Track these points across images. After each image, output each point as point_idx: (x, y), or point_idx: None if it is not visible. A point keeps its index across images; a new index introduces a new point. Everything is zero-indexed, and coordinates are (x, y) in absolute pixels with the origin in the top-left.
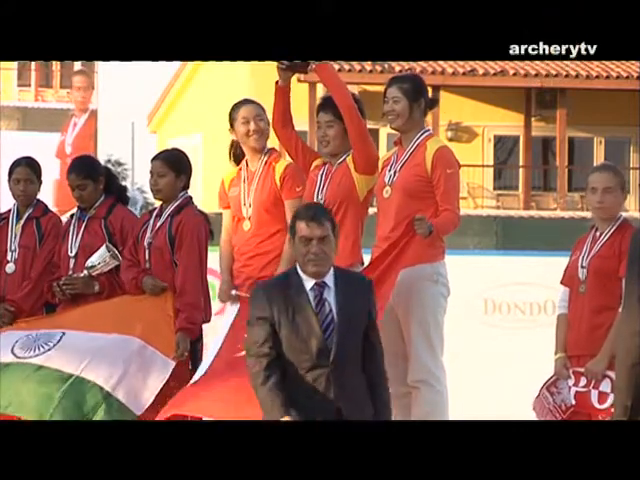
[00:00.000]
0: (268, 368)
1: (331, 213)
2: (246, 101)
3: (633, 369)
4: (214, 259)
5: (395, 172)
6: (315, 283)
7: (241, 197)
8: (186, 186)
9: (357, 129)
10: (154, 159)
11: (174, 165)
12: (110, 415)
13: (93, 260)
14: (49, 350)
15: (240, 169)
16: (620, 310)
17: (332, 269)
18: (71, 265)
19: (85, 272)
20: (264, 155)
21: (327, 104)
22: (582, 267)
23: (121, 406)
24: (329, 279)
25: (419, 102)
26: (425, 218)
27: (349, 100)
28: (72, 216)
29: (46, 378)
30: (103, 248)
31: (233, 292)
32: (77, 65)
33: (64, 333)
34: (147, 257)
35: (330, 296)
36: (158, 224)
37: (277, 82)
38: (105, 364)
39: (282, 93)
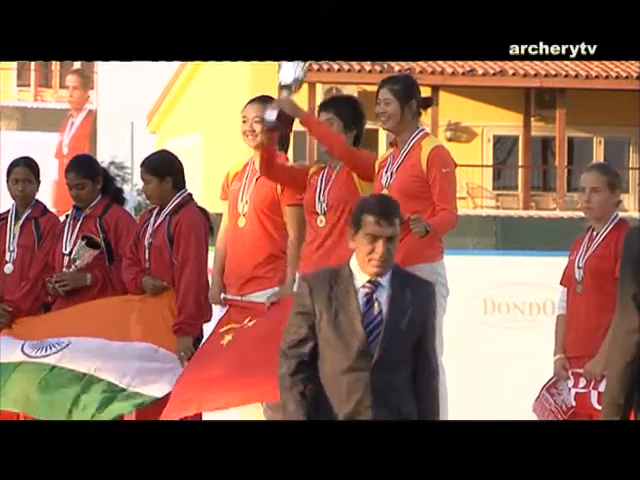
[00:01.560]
0: (295, 373)
1: (399, 208)
2: (255, 100)
3: (627, 367)
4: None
5: (392, 174)
6: (368, 281)
7: (240, 192)
8: (178, 186)
9: (355, 165)
10: (140, 166)
11: (155, 170)
12: (130, 401)
13: (74, 253)
14: (61, 350)
15: (246, 164)
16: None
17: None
18: (65, 263)
19: (72, 267)
20: None
21: (328, 104)
22: (579, 267)
23: (139, 394)
24: (384, 278)
25: (410, 103)
26: (421, 218)
27: (340, 145)
28: (67, 216)
29: (60, 380)
30: (79, 239)
31: (222, 296)
32: (77, 65)
33: (70, 342)
34: (147, 256)
35: (382, 297)
36: (157, 223)
37: (263, 142)
38: (118, 368)
39: (267, 151)
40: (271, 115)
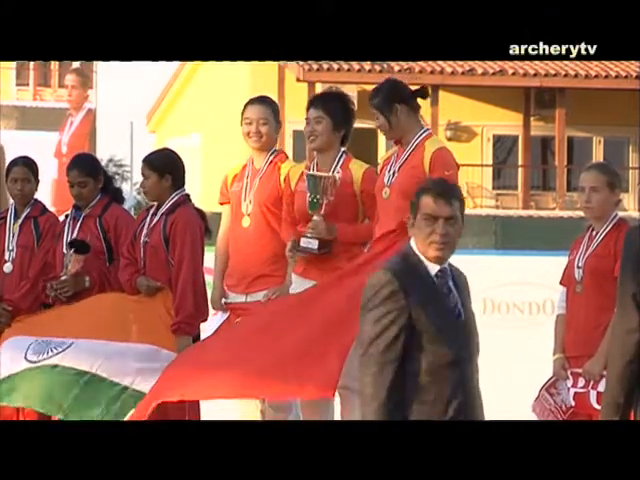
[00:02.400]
0: (392, 383)
1: (461, 193)
2: (256, 100)
3: (627, 367)
4: (213, 259)
5: (394, 172)
6: (439, 270)
7: (242, 193)
8: (177, 185)
9: None
10: (142, 161)
11: (157, 166)
12: (129, 404)
13: (65, 259)
14: (62, 352)
15: (245, 165)
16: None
17: None
18: (65, 263)
19: (65, 271)
20: (270, 154)
21: (317, 101)
22: (578, 267)
23: (141, 395)
24: (448, 267)
25: (394, 110)
26: None
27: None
28: (67, 216)
29: (63, 373)
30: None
31: (223, 301)
32: (76, 65)
33: (73, 342)
34: (142, 255)
35: (451, 284)
36: (153, 222)
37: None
38: (120, 368)
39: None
40: (312, 245)
